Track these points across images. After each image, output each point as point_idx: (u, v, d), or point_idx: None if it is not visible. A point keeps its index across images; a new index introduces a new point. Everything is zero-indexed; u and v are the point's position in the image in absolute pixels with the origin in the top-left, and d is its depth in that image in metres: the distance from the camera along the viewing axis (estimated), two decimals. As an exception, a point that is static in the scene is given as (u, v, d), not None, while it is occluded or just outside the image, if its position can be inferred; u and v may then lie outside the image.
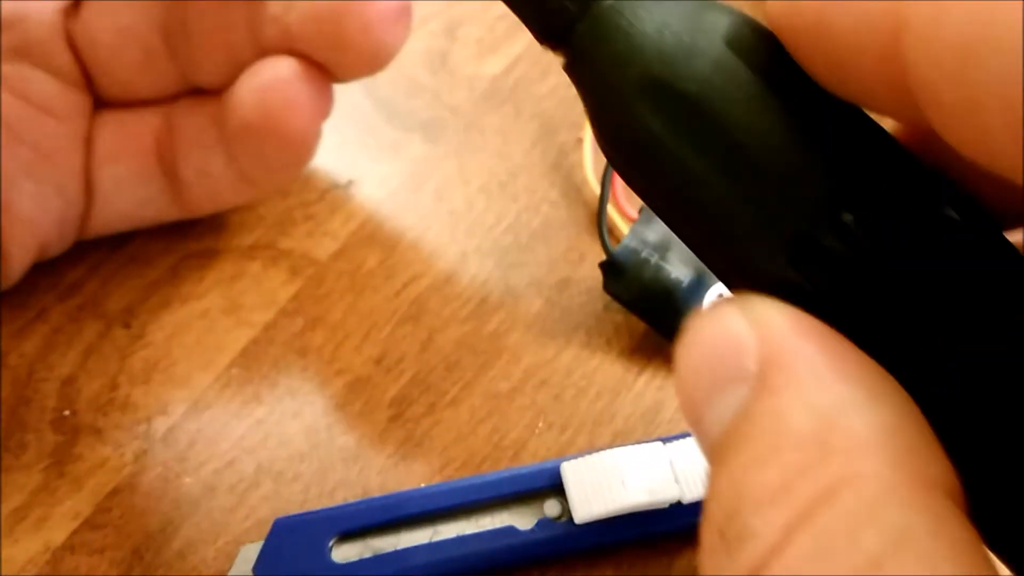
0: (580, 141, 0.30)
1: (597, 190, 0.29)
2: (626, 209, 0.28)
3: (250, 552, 0.23)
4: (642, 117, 0.12)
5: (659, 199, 0.13)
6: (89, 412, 0.27)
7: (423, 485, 0.25)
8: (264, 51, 0.25)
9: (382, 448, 0.26)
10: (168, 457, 0.26)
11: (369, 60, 0.25)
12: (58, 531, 0.25)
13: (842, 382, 0.11)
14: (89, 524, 0.25)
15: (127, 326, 0.28)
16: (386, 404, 0.27)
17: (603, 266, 0.27)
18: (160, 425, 0.26)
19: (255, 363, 0.27)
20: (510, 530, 0.24)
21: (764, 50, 0.12)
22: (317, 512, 0.24)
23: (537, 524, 0.24)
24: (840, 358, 0.11)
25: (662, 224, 0.27)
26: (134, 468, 0.26)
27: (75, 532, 0.25)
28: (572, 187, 0.30)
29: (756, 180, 0.12)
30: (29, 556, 0.25)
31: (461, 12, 0.34)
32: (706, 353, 0.12)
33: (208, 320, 0.28)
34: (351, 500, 0.25)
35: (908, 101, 0.11)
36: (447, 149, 0.31)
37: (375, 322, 0.28)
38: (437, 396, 0.27)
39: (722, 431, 0.12)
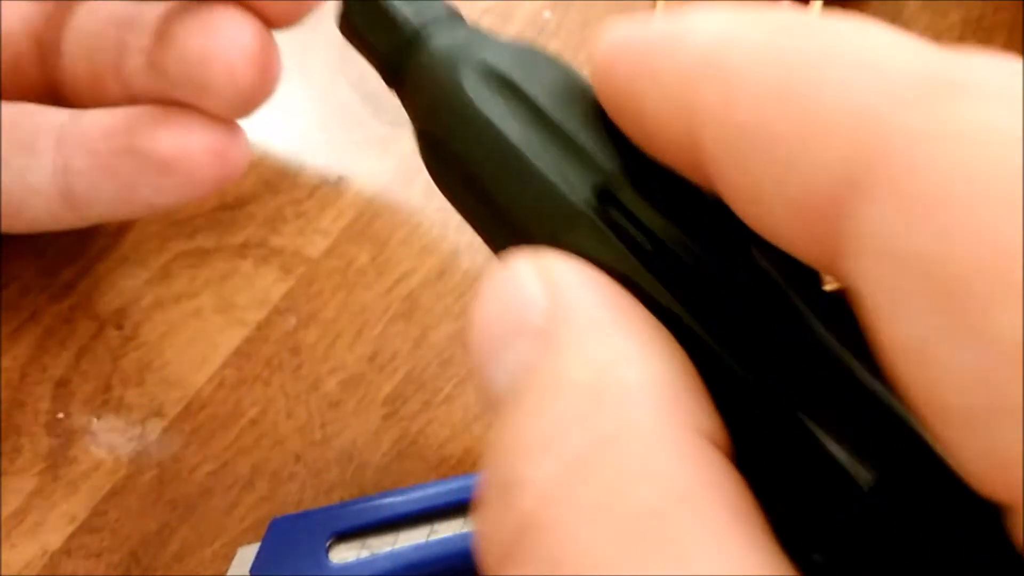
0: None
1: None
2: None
3: (247, 554, 0.24)
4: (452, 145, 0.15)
5: (462, 199, 0.15)
6: (83, 414, 0.27)
7: (419, 484, 0.25)
8: (127, 81, 0.24)
9: (377, 447, 0.26)
10: (163, 459, 0.26)
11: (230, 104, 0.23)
12: (55, 535, 0.25)
13: (620, 335, 0.11)
14: (85, 527, 0.25)
15: (120, 327, 0.28)
16: (380, 402, 0.27)
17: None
18: (154, 427, 0.26)
19: (248, 362, 0.27)
20: (506, 528, 0.24)
21: (580, 99, 0.14)
22: (313, 512, 0.24)
23: (533, 521, 0.24)
24: (620, 312, 0.12)
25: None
26: (129, 470, 0.26)
27: (72, 536, 0.25)
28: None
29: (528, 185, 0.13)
30: (26, 560, 0.25)
31: (449, 3, 0.34)
32: (496, 306, 0.12)
33: (201, 320, 0.28)
34: (347, 500, 0.25)
35: (707, 176, 0.12)
36: (437, 143, 0.31)
37: (367, 319, 0.28)
38: (431, 393, 0.27)
39: (507, 384, 0.12)
